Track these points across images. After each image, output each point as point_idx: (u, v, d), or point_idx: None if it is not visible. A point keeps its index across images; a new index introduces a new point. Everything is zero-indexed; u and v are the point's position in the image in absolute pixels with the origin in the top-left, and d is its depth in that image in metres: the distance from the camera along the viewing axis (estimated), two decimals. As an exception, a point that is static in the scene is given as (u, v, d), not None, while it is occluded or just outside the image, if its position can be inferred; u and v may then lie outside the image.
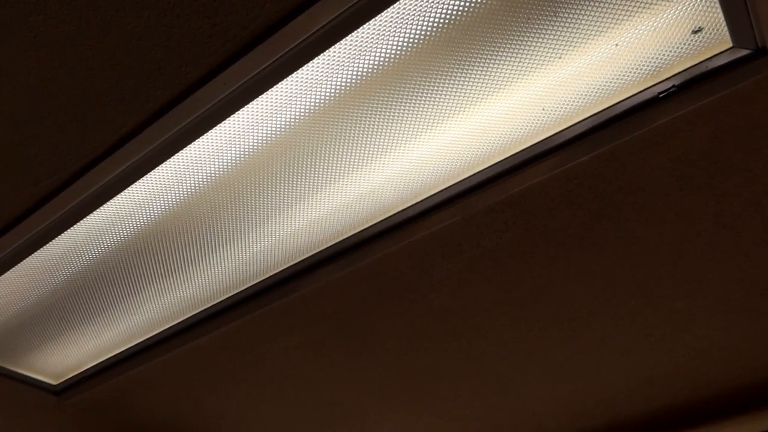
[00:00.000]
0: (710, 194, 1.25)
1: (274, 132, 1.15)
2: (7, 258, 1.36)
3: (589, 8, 0.99)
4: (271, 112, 1.12)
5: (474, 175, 1.22)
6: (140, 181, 1.21)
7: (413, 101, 1.11)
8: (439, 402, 1.92)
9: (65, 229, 1.30)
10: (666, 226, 1.32)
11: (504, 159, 1.19)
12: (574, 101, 1.11)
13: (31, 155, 1.14)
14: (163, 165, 1.18)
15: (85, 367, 1.78)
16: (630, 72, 1.08)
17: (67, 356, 1.76)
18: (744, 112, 1.09)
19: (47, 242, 1.33)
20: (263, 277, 1.46)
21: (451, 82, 1.08)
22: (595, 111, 1.13)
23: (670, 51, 1.06)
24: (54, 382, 1.83)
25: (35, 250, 1.35)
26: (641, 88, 1.09)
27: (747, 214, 1.29)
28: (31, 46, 0.95)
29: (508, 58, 1.05)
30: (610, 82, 1.09)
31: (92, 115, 1.07)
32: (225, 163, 1.21)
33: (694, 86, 1.07)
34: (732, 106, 1.09)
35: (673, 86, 1.08)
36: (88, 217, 1.28)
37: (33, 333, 1.65)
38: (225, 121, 1.12)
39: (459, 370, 1.78)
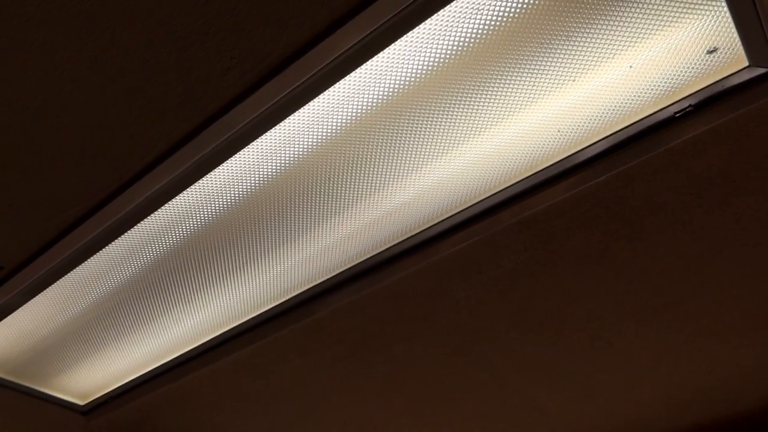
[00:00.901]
0: (730, 212, 1.24)
1: (293, 157, 1.18)
2: (36, 283, 1.40)
3: (603, 30, 1.00)
4: (290, 139, 1.14)
5: (491, 196, 1.23)
6: (164, 207, 1.24)
7: (429, 125, 1.12)
8: (461, 422, 1.91)
9: (91, 256, 1.33)
10: (687, 244, 1.31)
11: (520, 180, 1.20)
12: (589, 123, 1.12)
13: (59, 185, 1.17)
14: (185, 192, 1.21)
15: (111, 388, 1.81)
16: (645, 92, 1.08)
17: (93, 377, 1.79)
18: (761, 130, 1.09)
19: (74, 268, 1.36)
20: (284, 299, 1.47)
21: (467, 104, 1.09)
22: (611, 132, 1.13)
23: (686, 71, 1.06)
24: (81, 403, 1.87)
25: (63, 276, 1.38)
26: (657, 109, 1.09)
27: (769, 231, 1.27)
28: (57, 83, 0.99)
29: (523, 81, 1.06)
30: (625, 103, 1.09)
31: (117, 145, 1.11)
32: (245, 189, 1.23)
33: (710, 106, 1.07)
34: (749, 125, 1.08)
35: (690, 106, 1.08)
36: (113, 243, 1.31)
37: (61, 355, 1.69)
38: (245, 148, 1.14)
39: (480, 389, 1.77)
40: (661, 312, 1.48)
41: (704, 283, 1.41)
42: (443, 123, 1.12)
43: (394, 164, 1.20)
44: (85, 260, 1.35)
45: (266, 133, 1.11)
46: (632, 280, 1.40)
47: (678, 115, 1.09)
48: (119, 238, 1.31)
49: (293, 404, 1.83)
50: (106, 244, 1.31)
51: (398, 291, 1.43)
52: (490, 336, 1.55)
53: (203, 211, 1.27)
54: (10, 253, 1.32)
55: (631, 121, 1.11)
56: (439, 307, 1.47)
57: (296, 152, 1.16)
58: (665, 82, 1.07)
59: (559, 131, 1.12)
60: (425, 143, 1.15)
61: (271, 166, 1.19)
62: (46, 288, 1.42)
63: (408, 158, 1.18)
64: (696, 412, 1.87)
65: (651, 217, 1.25)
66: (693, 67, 1.05)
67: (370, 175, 1.22)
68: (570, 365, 1.67)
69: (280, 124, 1.10)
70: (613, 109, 1.10)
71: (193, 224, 1.30)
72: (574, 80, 1.06)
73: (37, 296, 1.45)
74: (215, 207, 1.26)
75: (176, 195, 1.21)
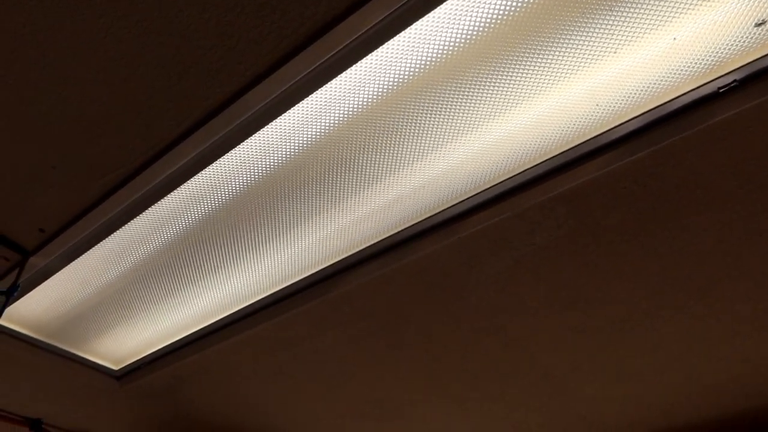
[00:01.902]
0: (773, 193, 1.21)
1: (325, 128, 1.18)
2: (75, 247, 1.43)
3: (646, 1, 0.97)
4: (324, 109, 1.14)
5: (526, 171, 1.21)
6: (200, 174, 1.26)
7: (464, 97, 1.11)
8: (486, 402, 1.91)
9: (128, 221, 1.36)
10: (725, 226, 1.28)
11: (557, 155, 1.18)
12: (629, 97, 1.10)
13: (99, 151, 1.20)
14: (222, 159, 1.23)
15: (143, 355, 1.85)
16: (689, 66, 1.05)
17: (127, 343, 1.84)
18: (811, 107, 1.05)
19: (112, 233, 1.39)
20: (311, 272, 1.49)
21: (503, 77, 1.08)
22: (652, 107, 1.10)
23: (732, 44, 1.02)
24: (115, 368, 1.92)
25: (101, 241, 1.42)
26: (700, 83, 1.06)
27: (814, 214, 1.23)
28: (100, 46, 1.01)
29: (562, 53, 1.04)
30: (668, 77, 1.06)
31: (155, 111, 1.12)
32: (280, 158, 1.24)
33: (756, 81, 1.04)
34: (798, 101, 1.05)
35: (735, 81, 1.05)
36: (150, 208, 1.34)
37: (96, 320, 1.73)
38: (279, 118, 1.15)
39: (507, 369, 1.77)
40: (695, 296, 1.46)
41: (742, 268, 1.38)
42: (478, 96, 1.11)
43: (426, 138, 1.19)
44: (123, 226, 1.38)
45: (299, 104, 1.12)
46: (667, 262, 1.37)
47: (722, 90, 1.06)
48: (156, 204, 1.33)
49: (318, 378, 1.85)
50: (143, 210, 1.34)
51: (426, 266, 1.43)
52: (520, 315, 1.54)
53: (239, 179, 1.29)
54: (51, 217, 1.35)
55: (673, 96, 1.09)
56: (469, 284, 1.47)
57: (327, 123, 1.17)
58: (710, 56, 1.04)
59: (597, 105, 1.10)
60: (458, 117, 1.14)
61: (303, 136, 1.19)
62: (84, 253, 1.46)
63: (441, 132, 1.17)
64: (728, 402, 1.84)
65: (689, 196, 1.23)
66: (739, 41, 1.02)
67: (402, 149, 1.22)
68: (600, 348, 1.66)
69: (313, 94, 1.10)
70: (655, 83, 1.08)
71: (226, 193, 1.32)
72: (615, 52, 1.03)
73: (75, 261, 1.48)
74: (250, 175, 1.27)
75: (211, 163, 1.22)
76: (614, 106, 1.11)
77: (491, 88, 1.09)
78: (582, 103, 1.11)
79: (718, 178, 1.19)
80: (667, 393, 1.81)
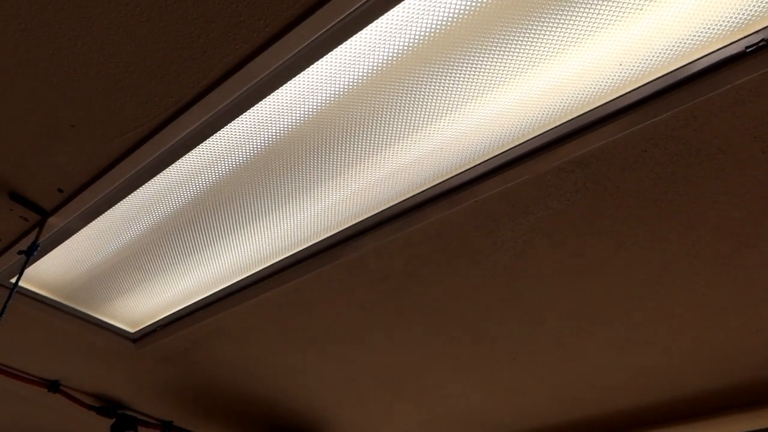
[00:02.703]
0: (797, 158, 1.19)
1: (341, 89, 1.17)
2: (94, 207, 1.44)
3: (675, -43, 0.95)
4: (344, 66, 1.13)
5: (544, 133, 1.21)
6: (218, 134, 1.26)
7: (482, 58, 1.10)
8: (498, 366, 1.93)
9: (147, 181, 1.37)
10: (747, 192, 1.27)
11: (576, 117, 1.17)
12: (653, 57, 1.08)
13: (117, 108, 1.20)
14: (240, 118, 1.22)
15: (160, 317, 1.88)
16: (716, 25, 1.03)
17: (143, 306, 1.86)
18: (839, 67, 1.03)
19: (130, 193, 1.40)
20: (326, 236, 1.49)
21: (524, 37, 1.06)
22: (676, 67, 1.09)
23: (760, 2, 1.00)
24: (132, 330, 1.94)
25: (119, 201, 1.43)
26: (727, 42, 1.05)
27: (836, 180, 1.22)
28: (119, 1, 1.00)
29: (585, 11, 1.03)
30: (694, 36, 1.05)
31: (174, 68, 1.12)
32: (297, 118, 1.24)
33: (785, 40, 1.02)
34: (827, 61, 1.03)
35: (763, 40, 1.03)
36: (168, 169, 1.34)
37: (113, 282, 1.75)
38: (298, 76, 1.14)
39: (519, 335, 1.77)
40: (712, 264, 1.45)
41: (763, 235, 1.37)
42: (497, 56, 1.09)
43: (442, 100, 1.18)
44: (141, 186, 1.38)
45: (320, 60, 1.11)
46: (686, 228, 1.36)
47: (750, 50, 1.04)
48: (173, 165, 1.33)
49: (334, 341, 1.87)
50: (161, 170, 1.34)
51: (442, 230, 1.43)
52: (535, 280, 1.55)
53: (257, 139, 1.28)
54: (70, 177, 1.36)
55: (699, 56, 1.07)
56: (484, 249, 1.47)
57: (343, 85, 1.16)
58: (737, 15, 1.02)
59: (621, 65, 1.09)
60: (475, 78, 1.13)
61: (322, 95, 1.19)
62: (103, 213, 1.47)
63: (457, 94, 1.16)
64: (738, 372, 1.84)
65: (711, 161, 1.21)
66: (769, -1, 1.00)
67: (417, 112, 1.21)
68: (613, 316, 1.66)
69: (334, 50, 1.09)
70: (680, 43, 1.06)
71: (245, 153, 1.32)
72: (641, 9, 1.02)
73: (93, 221, 1.50)
74: (267, 135, 1.27)
75: (231, 120, 1.22)
76: (638, 67, 1.09)
77: (510, 49, 1.08)
78: (605, 63, 1.09)
79: (741, 143, 1.18)
80: (676, 362, 1.81)
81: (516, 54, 1.09)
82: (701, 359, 1.81)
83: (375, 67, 1.13)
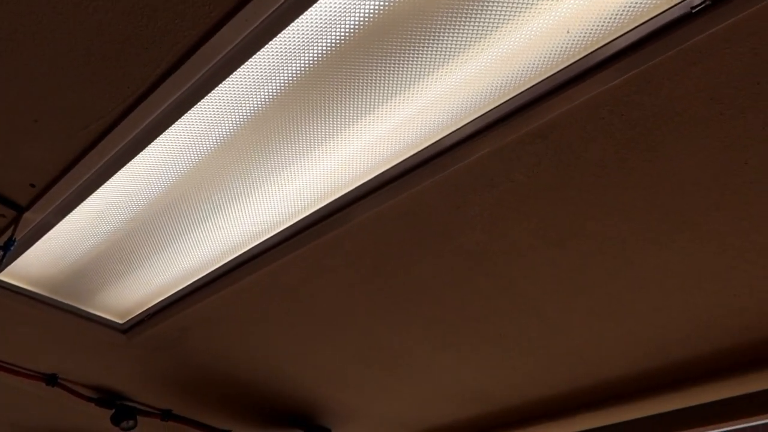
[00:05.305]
0: (755, 118, 1.19)
1: (301, 68, 1.18)
2: (68, 200, 1.47)
3: None
4: (300, 47, 1.14)
5: (498, 107, 1.21)
6: (182, 120, 1.27)
7: (435, 32, 1.10)
8: (482, 344, 1.94)
9: (117, 171, 1.39)
10: (709, 155, 1.27)
11: (530, 88, 1.17)
12: (601, 22, 1.08)
13: (77, 101, 1.22)
14: (202, 103, 1.24)
15: (148, 306, 1.91)
16: (660, -13, 1.03)
17: (131, 296, 1.89)
18: (786, 24, 1.03)
19: (102, 183, 1.43)
20: (301, 216, 1.51)
21: (471, 8, 1.06)
22: (624, 31, 1.08)
23: (704, -38, 1.00)
24: (121, 321, 1.98)
25: (93, 191, 1.45)
26: (672, 4, 1.04)
27: (798, 138, 1.22)
28: (67, -8, 1.02)
29: (531, -19, 1.03)
30: (639, 0, 1.04)
31: (129, 57, 1.14)
32: (260, 101, 1.25)
33: (729, -1, 1.01)
34: (772, 17, 1.02)
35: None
36: (137, 157, 1.36)
37: (99, 273, 1.78)
38: (254, 57, 1.15)
39: (501, 310, 1.79)
40: (683, 229, 1.45)
41: (729, 198, 1.36)
42: (447, 29, 1.10)
43: (402, 76, 1.19)
44: (112, 175, 1.41)
45: (271, 42, 1.12)
46: (651, 194, 1.36)
47: (695, 10, 1.03)
48: (142, 154, 1.35)
49: (320, 324, 1.89)
50: (130, 159, 1.36)
51: (413, 208, 1.44)
52: (510, 254, 1.55)
53: (222, 125, 1.30)
54: (41, 171, 1.39)
55: (645, 19, 1.07)
56: (455, 224, 1.48)
57: (303, 63, 1.17)
58: (682, -25, 1.02)
59: (568, 32, 1.09)
60: (431, 53, 1.14)
61: (280, 78, 1.20)
62: (78, 205, 1.49)
63: (415, 69, 1.17)
64: (728, 336, 1.84)
65: (669, 124, 1.21)
66: (712, -43, 0.99)
67: (378, 88, 1.21)
68: (592, 286, 1.66)
69: (284, 31, 1.10)
70: (628, 7, 1.06)
71: (212, 140, 1.33)
72: (583, -25, 1.01)
73: (70, 214, 1.52)
74: (235, 118, 1.28)
75: (193, 106, 1.24)
76: (586, 33, 1.09)
77: (458, 20, 1.08)
78: (553, 31, 1.09)
79: (697, 105, 1.18)
80: (661, 329, 1.82)
81: (463, 27, 1.09)
82: (687, 326, 1.81)
83: (330, 46, 1.14)
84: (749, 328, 1.79)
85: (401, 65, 1.17)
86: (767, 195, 1.35)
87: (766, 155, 1.25)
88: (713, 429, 2.01)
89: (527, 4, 1.05)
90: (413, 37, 1.12)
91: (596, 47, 1.11)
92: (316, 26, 1.10)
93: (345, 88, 1.22)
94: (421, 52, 1.14)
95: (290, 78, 1.20)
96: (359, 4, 1.05)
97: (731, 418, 1.95)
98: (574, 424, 2.32)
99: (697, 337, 1.84)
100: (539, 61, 1.14)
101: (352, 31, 1.11)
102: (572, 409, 2.32)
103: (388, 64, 1.17)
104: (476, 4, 1.05)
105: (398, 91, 1.22)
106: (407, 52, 1.14)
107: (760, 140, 1.23)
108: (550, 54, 1.12)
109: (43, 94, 1.20)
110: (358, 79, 1.20)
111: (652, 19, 1.06)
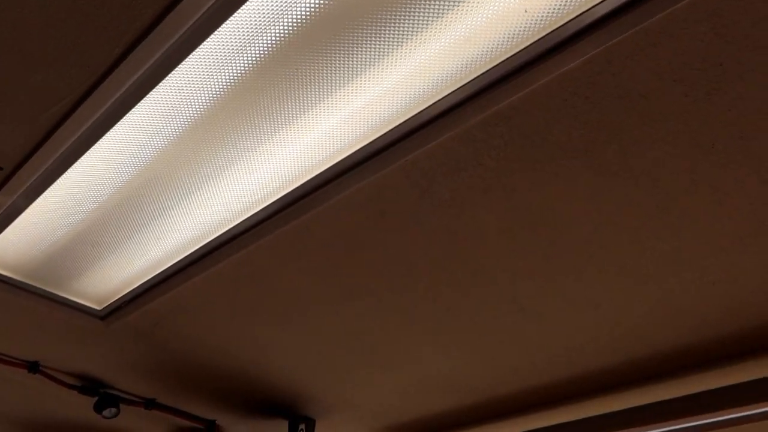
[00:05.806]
0: (720, 100, 1.18)
1: (263, 49, 1.18)
2: (37, 183, 1.47)
3: None
4: (260, 27, 1.13)
5: (459, 88, 1.20)
6: (145, 101, 1.27)
7: (392, 14, 1.10)
8: (457, 333, 1.93)
9: (84, 152, 1.39)
10: (675, 137, 1.26)
11: (489, 70, 1.16)
12: (559, 1, 1.07)
13: (38, 84, 1.21)
14: (165, 82, 1.23)
15: (125, 292, 1.91)
16: (617, -35, 1.02)
17: (108, 282, 1.89)
18: (745, 2, 1.01)
19: (69, 166, 1.43)
20: (269, 202, 1.50)
21: (430, -13, 1.06)
22: (583, 10, 1.07)
23: (661, -61, 0.99)
24: (98, 307, 1.98)
25: (61, 174, 1.45)
26: (630, -19, 1.03)
27: (765, 120, 1.20)
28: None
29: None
30: (597, -22, 1.03)
31: (87, 38, 1.13)
32: (223, 82, 1.24)
33: (686, -24, 1.00)
34: (730, -5, 1.01)
35: (665, -23, 1.01)
36: (101, 140, 1.36)
37: (75, 259, 1.79)
38: (215, 35, 1.14)
39: (476, 300, 1.78)
40: (653, 215, 1.44)
41: (697, 183, 1.35)
42: (404, 10, 1.09)
43: (360, 58, 1.18)
44: (79, 158, 1.40)
45: (233, 16, 1.11)
46: (621, 180, 1.35)
47: (653, -12, 1.02)
48: (105, 137, 1.35)
49: (293, 312, 1.89)
50: (95, 143, 1.36)
51: (379, 193, 1.43)
52: (480, 240, 1.55)
53: (188, 107, 1.30)
54: (7, 154, 1.39)
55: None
56: (425, 209, 1.47)
57: (267, 43, 1.16)
58: (640, -47, 1.01)
59: (526, 11, 1.08)
60: (388, 34, 1.13)
61: (245, 57, 1.19)
62: (48, 187, 1.49)
63: (373, 51, 1.16)
64: (704, 324, 1.82)
65: (634, 107, 1.20)
66: (669, -66, 0.98)
67: (338, 71, 1.21)
68: (567, 274, 1.65)
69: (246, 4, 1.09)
70: (584, -14, 1.04)
71: (182, 119, 1.33)
72: (538, -47, 1.00)
73: (41, 196, 1.52)
74: (201, 98, 1.27)
75: (152, 88, 1.23)
76: (543, 13, 1.08)
77: (419, 1, 1.07)
78: (510, 11, 1.08)
79: (662, 87, 1.16)
80: (639, 317, 1.80)
81: (421, 7, 1.08)
82: (663, 314, 1.80)
83: (291, 27, 1.13)
84: (728, 317, 1.78)
85: (362, 47, 1.16)
86: (737, 180, 1.34)
87: (732, 138, 1.24)
88: (701, 419, 2.01)
89: (484, -18, 1.04)
90: (373, 19, 1.11)
91: (554, 27, 1.10)
92: (279, 4, 1.09)
93: (307, 70, 1.21)
94: (380, 33, 1.13)
95: (254, 59, 1.20)
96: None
97: (719, 408, 1.94)
98: (556, 416, 2.31)
99: (677, 325, 1.83)
100: (498, 42, 1.13)
101: (313, 12, 1.10)
102: (555, 401, 2.32)
103: (348, 46, 1.16)
104: (432, -18, 1.05)
105: (359, 73, 1.21)
106: (367, 34, 1.14)
107: (726, 122, 1.22)
108: (509, 35, 1.11)
109: (1, 77, 1.20)
110: (318, 62, 1.19)
111: (609, -2, 1.05)
